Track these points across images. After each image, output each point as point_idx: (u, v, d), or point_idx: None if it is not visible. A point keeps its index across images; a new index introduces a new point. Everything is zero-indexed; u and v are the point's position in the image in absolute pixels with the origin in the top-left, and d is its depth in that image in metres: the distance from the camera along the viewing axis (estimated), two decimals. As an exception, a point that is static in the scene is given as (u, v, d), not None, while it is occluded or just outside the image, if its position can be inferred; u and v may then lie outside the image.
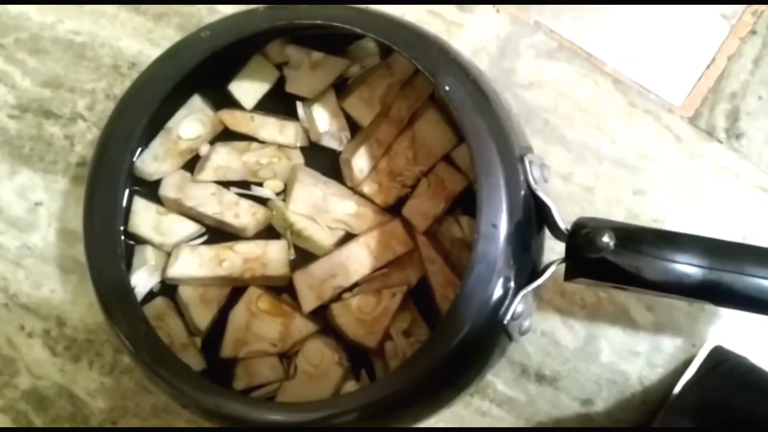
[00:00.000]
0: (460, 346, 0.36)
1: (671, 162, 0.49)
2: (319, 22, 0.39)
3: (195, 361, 0.44)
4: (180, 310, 0.45)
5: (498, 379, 0.47)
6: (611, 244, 0.34)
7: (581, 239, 0.35)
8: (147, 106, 0.41)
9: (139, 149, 0.45)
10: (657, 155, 0.49)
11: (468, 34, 0.51)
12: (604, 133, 0.49)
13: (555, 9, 0.51)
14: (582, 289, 0.47)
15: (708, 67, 0.50)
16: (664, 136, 0.49)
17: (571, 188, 0.49)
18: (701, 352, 0.46)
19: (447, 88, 0.37)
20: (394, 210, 0.45)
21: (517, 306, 0.36)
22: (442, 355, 0.37)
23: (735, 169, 0.49)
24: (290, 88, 0.47)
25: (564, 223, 0.39)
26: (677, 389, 0.46)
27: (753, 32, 0.50)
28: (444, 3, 0.51)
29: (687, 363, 0.47)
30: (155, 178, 0.46)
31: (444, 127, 0.45)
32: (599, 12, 0.51)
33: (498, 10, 0.51)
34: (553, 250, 0.42)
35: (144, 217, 0.45)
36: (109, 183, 0.41)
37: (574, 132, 0.49)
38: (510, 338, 0.38)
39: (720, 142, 0.49)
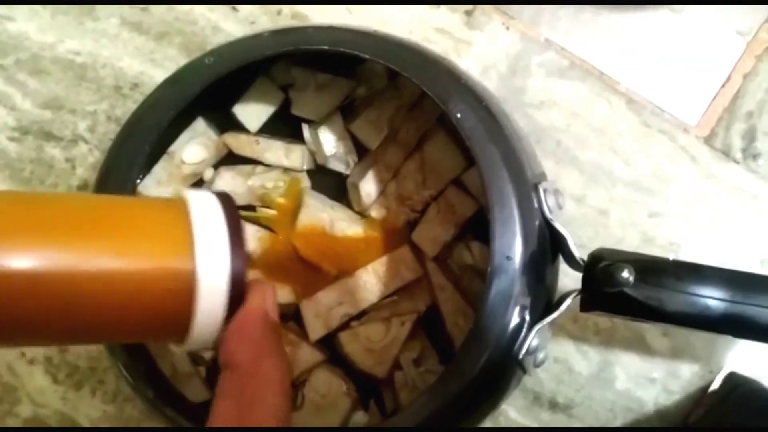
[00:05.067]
0: (474, 381, 0.35)
1: (687, 183, 0.48)
2: (325, 47, 0.38)
3: (199, 391, 0.43)
4: (184, 338, 0.44)
5: (510, 407, 0.46)
6: (631, 279, 0.33)
7: (599, 273, 0.34)
8: (149, 134, 0.40)
9: (142, 174, 0.44)
10: (672, 176, 0.48)
11: (477, 52, 0.50)
12: (618, 154, 0.48)
13: (566, 25, 0.50)
14: (598, 315, 0.46)
15: (723, 85, 0.48)
16: (679, 157, 0.48)
17: (585, 211, 0.47)
18: (718, 378, 0.45)
19: (458, 115, 0.36)
20: (403, 235, 0.44)
21: (533, 340, 0.35)
22: (456, 391, 0.35)
23: (752, 190, 0.47)
24: (296, 110, 0.46)
25: (578, 249, 0.38)
26: (693, 416, 0.45)
27: (769, 49, 0.49)
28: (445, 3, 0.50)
29: (704, 389, 0.45)
30: (158, 203, 0.45)
31: (453, 150, 0.44)
32: (612, 29, 0.50)
33: (508, 27, 0.50)
34: (566, 273, 0.41)
35: (147, 243, 0.44)
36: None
37: (587, 153, 0.48)
38: (524, 371, 0.37)
39: (736, 162, 0.48)
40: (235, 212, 0.30)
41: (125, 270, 0.28)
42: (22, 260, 0.26)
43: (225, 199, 0.31)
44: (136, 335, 0.32)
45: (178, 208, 0.30)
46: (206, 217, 0.29)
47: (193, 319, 0.29)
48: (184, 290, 0.28)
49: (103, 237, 0.28)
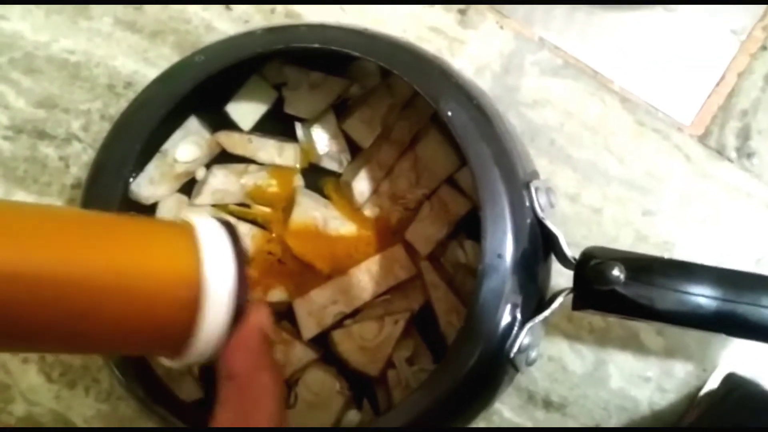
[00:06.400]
0: (465, 379, 0.35)
1: (681, 182, 0.47)
2: (316, 45, 0.38)
3: (192, 390, 0.43)
4: (177, 337, 0.44)
5: (504, 405, 0.46)
6: (621, 277, 0.33)
7: (590, 271, 0.34)
8: (140, 133, 0.40)
9: (135, 173, 0.44)
10: (666, 175, 0.48)
11: (471, 51, 0.50)
12: (612, 153, 0.48)
13: (560, 24, 0.50)
14: (590, 313, 0.46)
15: (718, 84, 0.48)
16: (673, 156, 0.48)
17: (578, 209, 0.47)
18: (713, 378, 0.45)
19: (449, 113, 0.36)
20: (396, 234, 0.44)
21: (524, 338, 0.35)
22: (448, 388, 0.35)
23: (746, 189, 0.47)
24: (289, 108, 0.46)
25: (571, 248, 0.38)
26: (689, 416, 0.45)
27: (764, 48, 0.49)
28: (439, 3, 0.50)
29: (698, 388, 0.45)
30: (151, 202, 0.45)
31: (447, 149, 0.44)
32: (606, 28, 0.50)
33: (501, 27, 0.50)
34: (560, 272, 0.41)
35: (140, 242, 0.44)
36: (101, 209, 0.40)
37: (581, 152, 0.48)
38: (516, 370, 0.37)
39: (731, 161, 0.48)
40: (237, 236, 0.32)
41: (137, 281, 0.29)
42: (39, 267, 0.27)
43: (227, 225, 0.32)
44: (137, 347, 0.33)
45: (186, 230, 0.31)
46: (212, 239, 0.31)
47: (197, 332, 0.30)
48: (191, 304, 0.30)
49: (117, 250, 0.29)
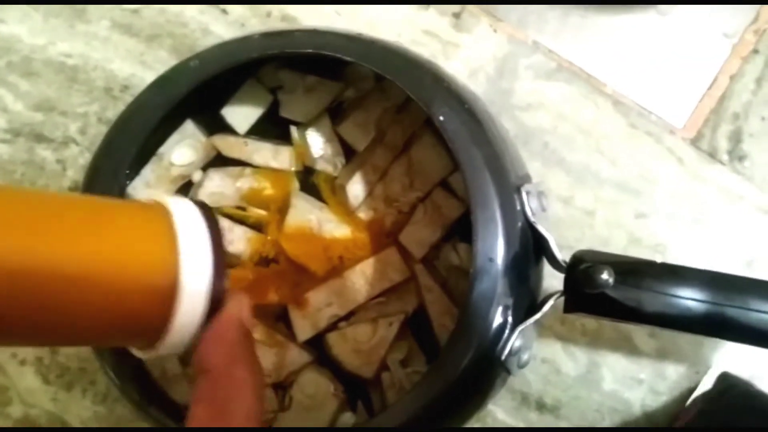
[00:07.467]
0: (458, 381, 0.36)
1: (673, 185, 0.48)
2: (310, 50, 0.39)
3: (187, 392, 0.43)
4: (173, 339, 0.44)
5: (498, 407, 0.46)
6: (610, 280, 0.33)
7: (580, 274, 0.34)
8: (136, 136, 0.40)
9: (131, 176, 0.44)
10: (658, 178, 0.48)
11: (464, 55, 0.50)
12: (605, 156, 0.48)
13: (554, 28, 0.50)
14: (582, 316, 0.47)
15: (710, 87, 0.49)
16: (665, 159, 0.48)
17: (571, 212, 0.48)
18: (705, 379, 0.46)
19: (441, 118, 0.37)
20: (390, 237, 0.45)
21: (516, 341, 0.36)
22: (441, 390, 0.36)
23: (738, 192, 0.48)
24: (284, 112, 0.46)
25: (564, 251, 0.38)
26: (683, 416, 0.45)
27: (755, 51, 0.49)
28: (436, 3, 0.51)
29: (691, 390, 0.46)
30: (147, 205, 0.45)
31: (440, 152, 0.44)
32: (599, 32, 0.50)
33: (495, 30, 0.50)
34: (554, 275, 0.41)
35: (136, 245, 0.44)
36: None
37: (574, 154, 0.48)
38: (508, 372, 0.37)
39: (722, 164, 0.48)
40: (214, 220, 0.30)
41: (108, 268, 0.27)
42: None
43: (204, 207, 0.31)
44: (107, 338, 0.31)
45: (160, 212, 0.30)
46: (188, 223, 0.29)
47: (171, 323, 0.28)
48: (166, 293, 0.28)
49: (86, 235, 0.27)
